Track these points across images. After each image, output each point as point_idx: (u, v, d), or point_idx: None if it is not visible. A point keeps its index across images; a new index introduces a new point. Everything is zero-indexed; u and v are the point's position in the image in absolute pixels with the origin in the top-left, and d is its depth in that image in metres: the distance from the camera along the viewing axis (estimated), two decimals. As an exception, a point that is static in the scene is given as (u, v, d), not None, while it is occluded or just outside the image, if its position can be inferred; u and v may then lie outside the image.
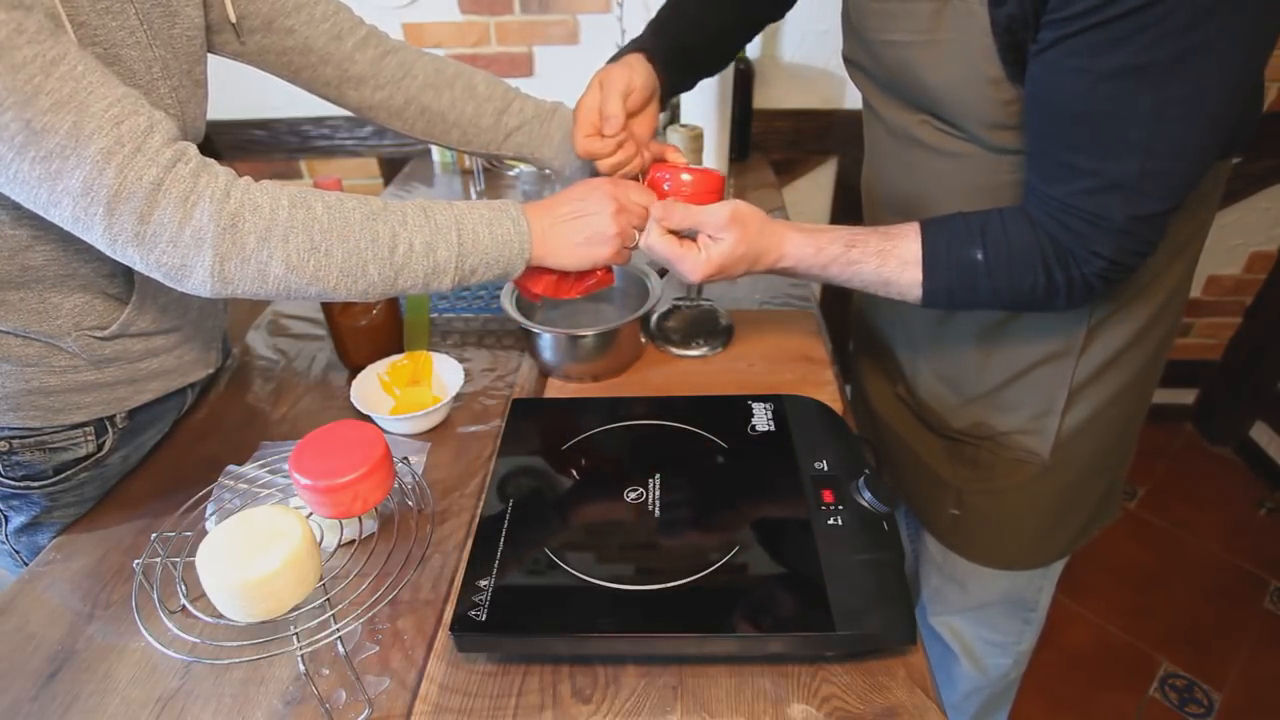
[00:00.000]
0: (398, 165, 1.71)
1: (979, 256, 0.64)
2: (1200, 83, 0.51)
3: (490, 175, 1.50)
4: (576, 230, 0.71)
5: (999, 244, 0.63)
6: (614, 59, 0.82)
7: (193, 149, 0.58)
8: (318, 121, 1.68)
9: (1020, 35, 0.56)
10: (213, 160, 0.59)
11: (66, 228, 0.55)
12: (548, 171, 0.89)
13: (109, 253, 0.57)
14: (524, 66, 1.61)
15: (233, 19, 0.72)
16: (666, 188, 0.76)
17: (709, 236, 0.70)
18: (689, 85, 0.90)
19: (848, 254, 0.69)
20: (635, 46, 0.81)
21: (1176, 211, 0.58)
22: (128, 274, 0.69)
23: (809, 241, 0.70)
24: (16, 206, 0.58)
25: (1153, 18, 0.49)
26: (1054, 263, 0.62)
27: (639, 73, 0.77)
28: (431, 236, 0.65)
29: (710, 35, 0.87)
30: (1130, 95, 0.53)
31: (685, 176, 0.76)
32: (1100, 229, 0.59)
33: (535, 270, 0.73)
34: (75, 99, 0.51)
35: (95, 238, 0.55)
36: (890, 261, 0.67)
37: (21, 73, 0.49)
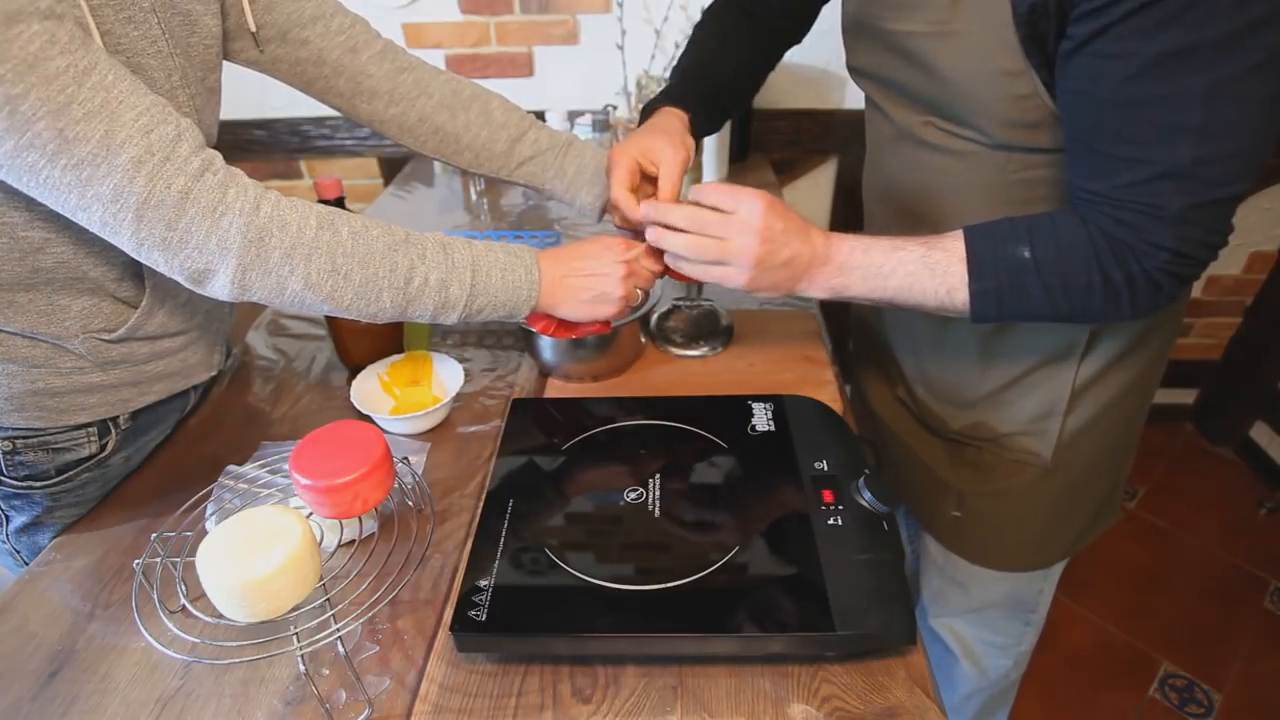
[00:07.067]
0: (398, 165, 1.71)
1: (1026, 254, 0.61)
2: (1254, 61, 0.49)
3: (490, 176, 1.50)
4: (585, 287, 0.73)
5: (1047, 241, 0.60)
6: (652, 106, 0.83)
7: (219, 158, 0.59)
8: (318, 121, 1.68)
9: (1042, 26, 0.55)
10: (239, 170, 0.60)
11: (94, 231, 0.57)
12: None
13: (135, 255, 0.58)
14: (524, 66, 1.61)
15: (252, 28, 0.73)
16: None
17: (735, 215, 0.67)
18: (716, 129, 0.91)
19: (891, 240, 0.66)
20: (676, 100, 0.82)
21: (1240, 199, 0.55)
22: (137, 278, 0.69)
23: (843, 235, 0.69)
24: (30, 209, 0.59)
25: None
26: (1110, 260, 0.58)
27: (690, 146, 0.78)
28: (447, 274, 0.67)
29: (732, 75, 0.88)
30: (1182, 77, 0.51)
31: None
32: (1157, 219, 0.56)
33: (539, 312, 0.75)
34: (107, 108, 0.52)
35: (122, 241, 0.57)
36: (935, 251, 0.64)
37: (55, 83, 0.50)
